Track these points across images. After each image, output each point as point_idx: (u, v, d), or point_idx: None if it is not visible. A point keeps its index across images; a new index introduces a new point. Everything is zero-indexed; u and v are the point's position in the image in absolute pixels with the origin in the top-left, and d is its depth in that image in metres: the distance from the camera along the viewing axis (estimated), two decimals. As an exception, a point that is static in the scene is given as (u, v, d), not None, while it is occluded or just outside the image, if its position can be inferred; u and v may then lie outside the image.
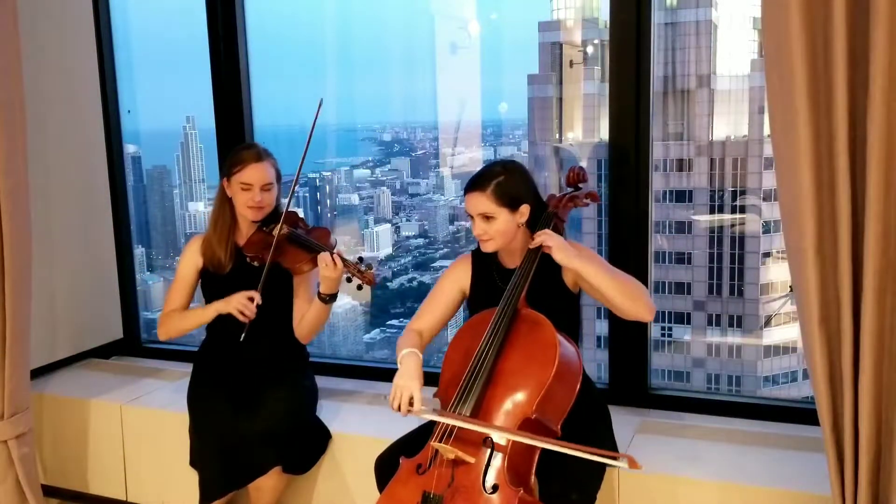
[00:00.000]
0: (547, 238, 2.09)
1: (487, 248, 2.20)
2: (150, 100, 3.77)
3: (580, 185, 2.35)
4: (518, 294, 2.10)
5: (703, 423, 2.57)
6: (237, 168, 2.56)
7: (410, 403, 2.03)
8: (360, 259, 2.44)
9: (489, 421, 1.96)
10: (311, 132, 2.50)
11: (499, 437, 1.93)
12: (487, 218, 2.15)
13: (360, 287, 2.43)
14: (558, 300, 2.21)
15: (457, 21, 3.72)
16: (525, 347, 2.03)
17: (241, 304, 2.51)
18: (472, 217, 2.19)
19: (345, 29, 3.96)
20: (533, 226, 2.21)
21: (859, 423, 1.82)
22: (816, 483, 2.08)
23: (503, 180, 2.14)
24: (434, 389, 2.12)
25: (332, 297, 2.50)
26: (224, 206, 2.65)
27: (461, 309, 2.42)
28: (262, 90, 3.26)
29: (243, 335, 2.50)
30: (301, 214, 2.73)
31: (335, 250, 2.45)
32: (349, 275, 2.42)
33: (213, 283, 2.66)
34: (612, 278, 2.05)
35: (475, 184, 2.16)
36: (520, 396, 1.96)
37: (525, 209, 2.17)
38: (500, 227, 2.15)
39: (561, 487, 1.99)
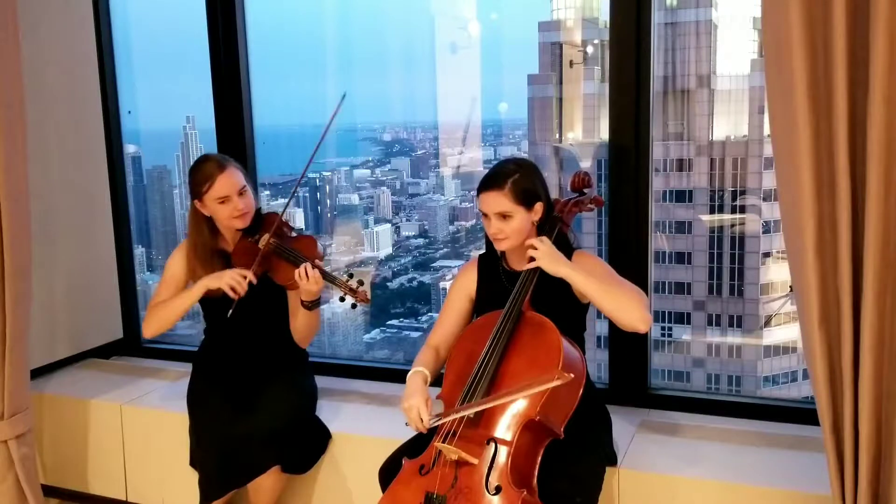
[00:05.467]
0: (531, 249, 2.10)
1: (502, 246, 2.20)
2: (150, 100, 3.77)
3: (585, 191, 2.35)
4: (522, 297, 2.10)
5: (703, 423, 2.57)
6: (206, 186, 2.48)
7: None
8: (351, 275, 2.39)
9: (492, 425, 1.96)
10: (328, 126, 2.44)
11: (501, 437, 1.93)
12: (504, 217, 2.13)
13: (354, 306, 2.38)
14: (565, 306, 2.21)
15: (457, 21, 3.72)
16: (529, 350, 2.03)
17: (234, 281, 2.43)
18: (486, 216, 2.17)
19: (345, 29, 3.96)
20: (542, 227, 2.21)
21: (859, 423, 1.82)
22: (816, 483, 2.08)
23: (519, 178, 2.13)
24: (439, 390, 2.12)
25: (314, 304, 2.49)
26: (200, 226, 2.58)
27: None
28: (262, 90, 3.25)
29: (230, 311, 2.43)
30: (293, 216, 2.70)
31: (319, 262, 2.42)
32: (342, 294, 2.38)
33: (206, 294, 2.60)
34: (603, 289, 2.04)
35: (491, 182, 2.14)
36: (524, 398, 1.96)
37: (539, 207, 2.17)
38: (516, 226, 2.14)
39: (564, 490, 1.99)
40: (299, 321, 2.57)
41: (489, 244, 2.34)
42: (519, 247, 2.21)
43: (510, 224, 2.14)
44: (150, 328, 2.62)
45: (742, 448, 2.38)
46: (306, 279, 2.37)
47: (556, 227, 2.22)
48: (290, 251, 2.49)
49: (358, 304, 2.38)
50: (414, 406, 2.05)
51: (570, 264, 2.09)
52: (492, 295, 2.25)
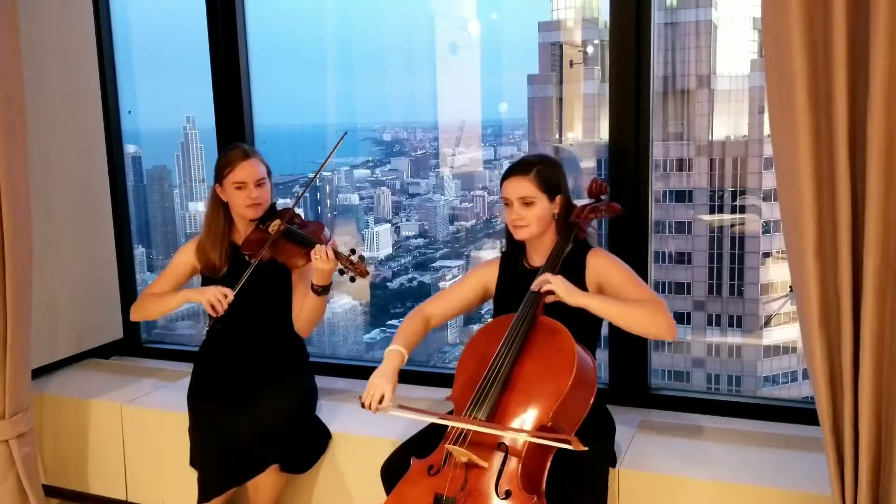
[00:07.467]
0: (546, 284, 2.09)
1: (521, 234, 2.23)
2: (150, 100, 3.77)
3: (602, 197, 2.39)
4: (537, 302, 2.11)
5: (703, 423, 2.57)
6: (227, 170, 2.58)
7: (381, 402, 2.10)
8: (353, 251, 2.47)
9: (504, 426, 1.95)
10: (329, 157, 2.58)
11: (512, 442, 1.93)
12: (527, 204, 2.19)
13: (353, 279, 2.45)
14: (579, 311, 2.21)
15: (457, 21, 3.72)
16: (543, 355, 2.03)
17: (215, 299, 2.50)
18: (508, 204, 2.23)
19: (345, 29, 3.96)
20: (559, 228, 2.25)
21: (859, 423, 1.82)
22: (816, 483, 2.08)
23: (544, 168, 2.22)
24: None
25: (325, 289, 2.54)
26: (217, 211, 2.66)
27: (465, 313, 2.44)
28: (262, 90, 3.26)
29: (213, 327, 2.57)
30: (299, 212, 2.74)
31: (330, 243, 2.49)
32: (341, 267, 2.46)
33: (211, 284, 2.65)
34: (622, 313, 2.06)
35: (517, 168, 2.23)
36: (536, 404, 1.96)
37: (560, 200, 2.23)
38: (537, 213, 2.20)
39: (573, 493, 1.99)
40: (306, 308, 2.61)
41: (510, 240, 2.36)
42: (537, 238, 2.25)
43: (532, 211, 2.19)
44: (136, 314, 2.78)
45: (742, 448, 2.38)
46: (326, 258, 2.43)
47: (572, 232, 2.26)
48: (299, 233, 2.56)
49: (356, 278, 2.44)
50: (381, 387, 2.13)
51: (586, 294, 2.10)
52: (510, 291, 2.28)
